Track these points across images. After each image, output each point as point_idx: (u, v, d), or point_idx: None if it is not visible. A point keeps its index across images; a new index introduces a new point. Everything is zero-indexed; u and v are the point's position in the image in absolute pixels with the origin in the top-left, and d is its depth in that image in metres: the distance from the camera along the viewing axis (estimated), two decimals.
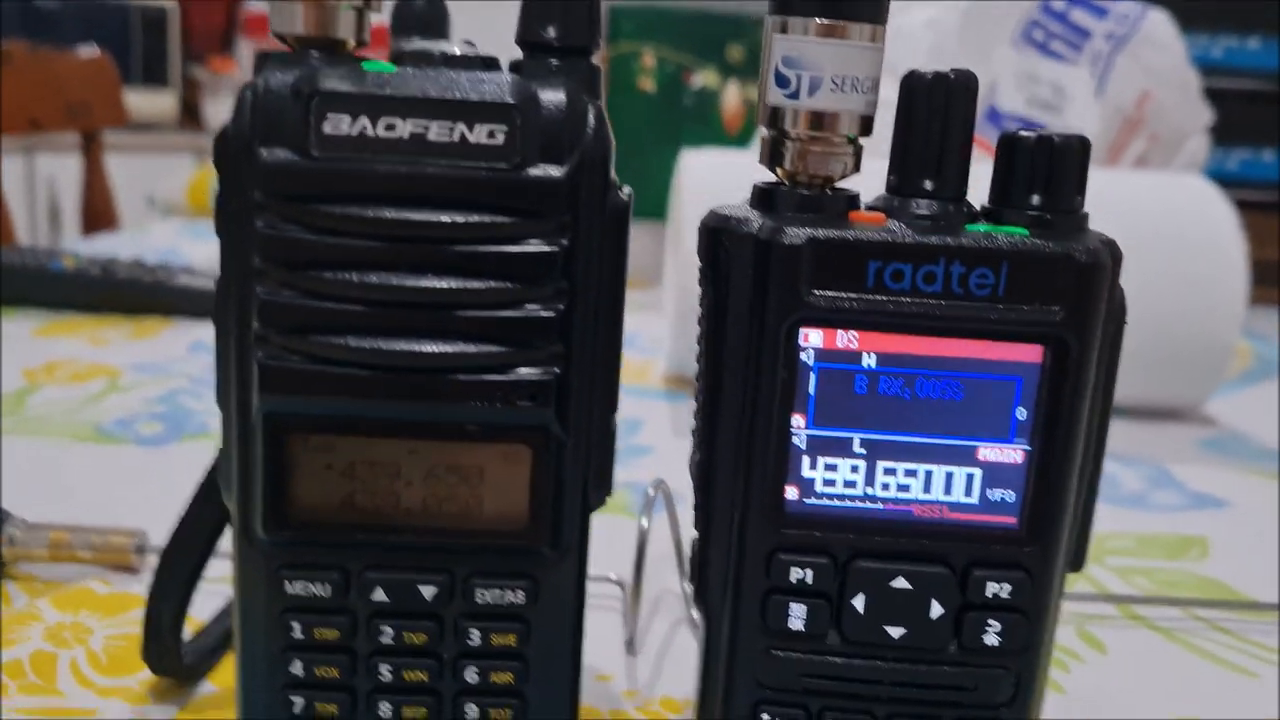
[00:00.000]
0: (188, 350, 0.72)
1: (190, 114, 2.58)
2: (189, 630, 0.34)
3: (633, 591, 0.40)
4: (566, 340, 0.27)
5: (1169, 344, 0.67)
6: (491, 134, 0.26)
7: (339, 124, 0.26)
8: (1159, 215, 0.70)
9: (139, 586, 0.41)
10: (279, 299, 0.26)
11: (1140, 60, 0.86)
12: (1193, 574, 0.49)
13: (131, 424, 0.58)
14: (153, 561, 0.42)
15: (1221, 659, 0.42)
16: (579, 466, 0.28)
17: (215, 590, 0.37)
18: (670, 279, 0.74)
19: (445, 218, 0.26)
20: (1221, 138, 0.96)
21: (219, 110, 2.31)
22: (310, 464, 0.28)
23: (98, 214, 1.34)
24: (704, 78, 0.99)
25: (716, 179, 0.69)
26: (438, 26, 0.52)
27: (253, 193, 0.26)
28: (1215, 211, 0.70)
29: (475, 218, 0.26)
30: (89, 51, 1.42)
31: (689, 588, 0.42)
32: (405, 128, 0.26)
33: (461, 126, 0.26)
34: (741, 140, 0.98)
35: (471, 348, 0.26)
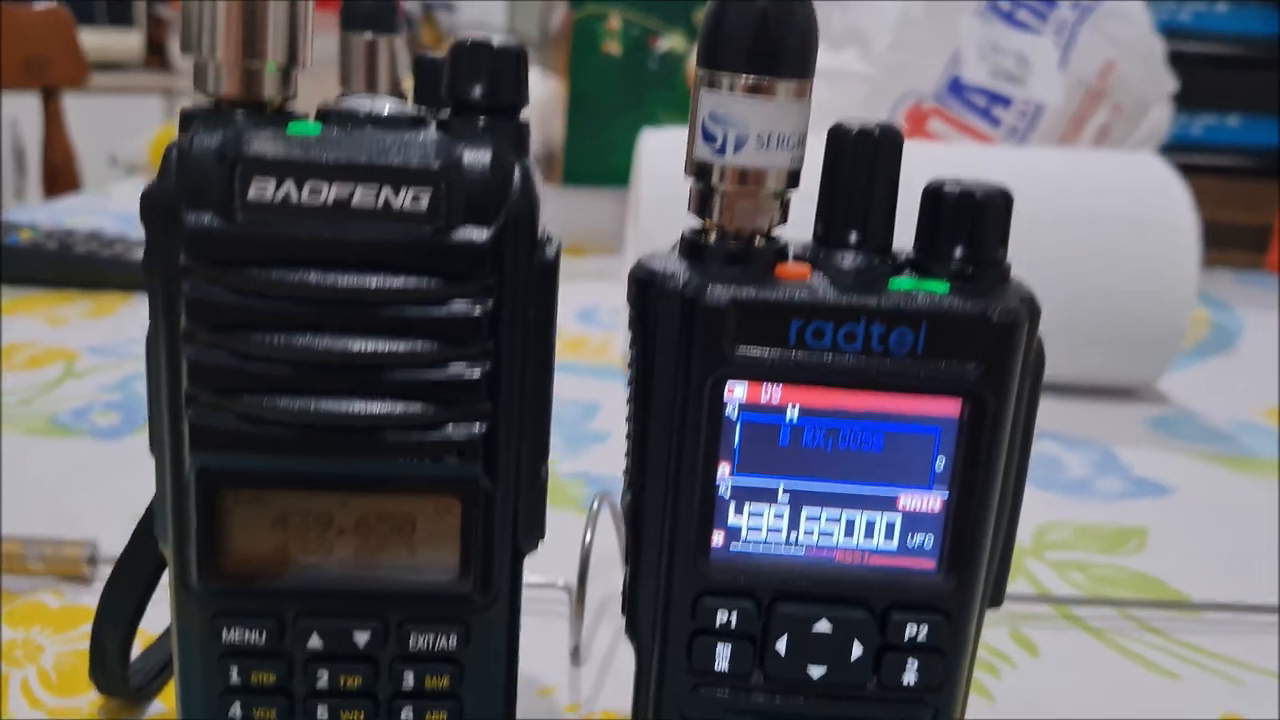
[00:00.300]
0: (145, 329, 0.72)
1: (156, 53, 2.54)
2: (139, 644, 0.35)
3: (577, 603, 0.41)
4: (494, 397, 0.27)
5: (1121, 323, 0.68)
6: (416, 198, 0.26)
7: (263, 189, 0.26)
8: (1112, 194, 0.70)
9: (90, 598, 0.42)
10: (207, 360, 0.27)
11: (1105, 30, 0.86)
12: (1128, 569, 0.50)
13: (87, 414, 0.58)
14: (104, 572, 0.43)
15: (1150, 661, 0.43)
16: (508, 516, 0.29)
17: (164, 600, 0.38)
18: (632, 260, 0.74)
19: (370, 282, 0.26)
20: (1186, 103, 0.96)
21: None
22: (243, 516, 0.28)
23: (59, 173, 1.33)
24: (670, 41, 0.98)
25: (675, 159, 0.68)
26: (387, 20, 0.52)
27: (178, 255, 0.26)
28: (1168, 190, 0.70)
29: (399, 282, 0.26)
30: (44, 4, 1.39)
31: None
32: (330, 193, 0.26)
33: (386, 191, 0.26)
34: None
35: (399, 407, 0.27)
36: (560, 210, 0.94)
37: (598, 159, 0.99)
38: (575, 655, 0.41)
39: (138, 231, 0.83)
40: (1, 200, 2.20)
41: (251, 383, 0.27)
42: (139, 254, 0.80)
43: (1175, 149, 0.93)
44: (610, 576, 0.45)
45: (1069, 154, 0.75)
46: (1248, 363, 0.84)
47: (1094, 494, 0.58)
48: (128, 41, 2.50)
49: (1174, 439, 0.66)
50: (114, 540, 0.44)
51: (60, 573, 0.43)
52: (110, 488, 0.50)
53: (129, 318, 0.74)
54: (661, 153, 0.70)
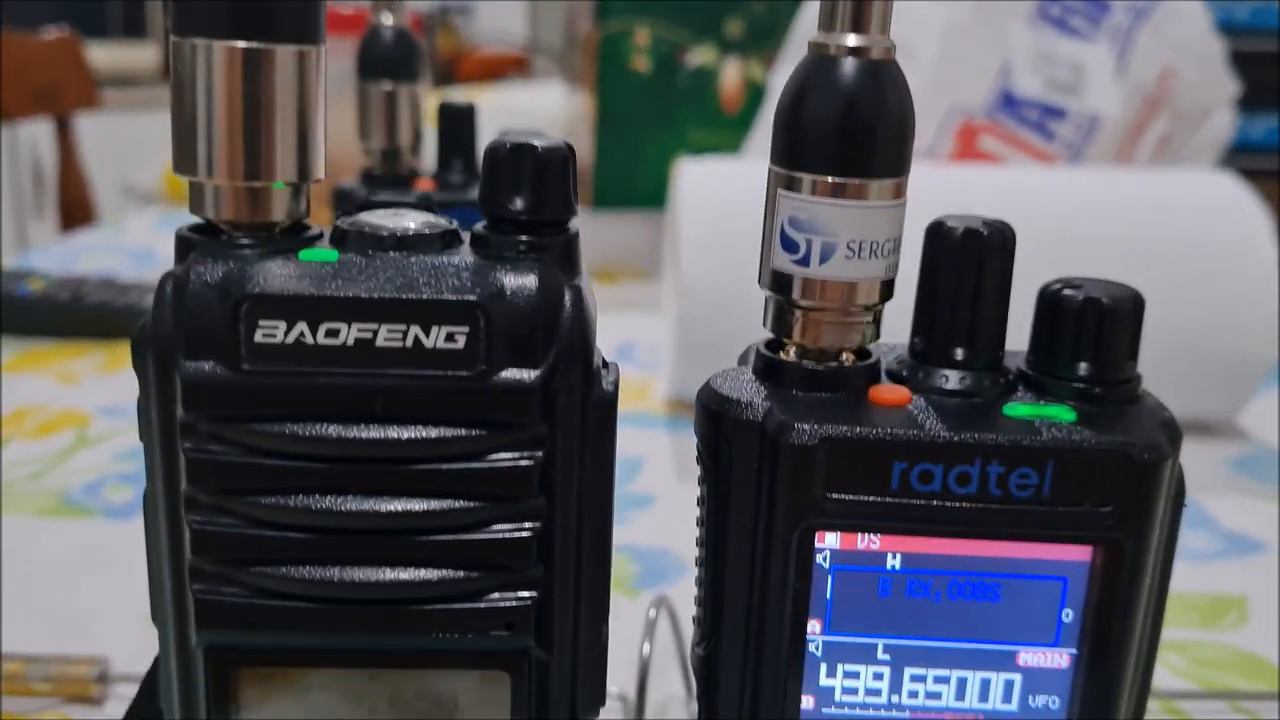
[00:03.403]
0: None
1: None
2: None
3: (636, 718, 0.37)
4: (546, 559, 0.24)
5: (1197, 357, 0.64)
6: (451, 337, 0.22)
7: (273, 332, 0.22)
8: (1182, 217, 0.65)
9: None
10: (212, 527, 0.23)
11: (1162, 34, 0.81)
12: (1232, 648, 0.46)
13: (99, 489, 0.55)
14: (117, 691, 0.40)
15: None
16: (565, 685, 0.25)
17: None
18: (670, 300, 0.70)
19: (400, 435, 0.22)
20: (1246, 104, 0.91)
21: None
22: (260, 694, 0.24)
23: (74, 205, 1.30)
24: (701, 55, 0.94)
25: (715, 194, 0.64)
26: (406, 67, 0.48)
27: (175, 407, 0.22)
28: (1243, 211, 0.66)
29: (434, 433, 0.22)
30: (52, 31, 1.36)
31: (694, 708, 0.39)
32: (350, 333, 0.22)
33: (416, 330, 0.22)
34: (742, 121, 0.94)
35: (435, 575, 0.23)
36: (590, 235, 0.90)
37: (629, 180, 0.95)
38: None
39: (152, 273, 0.78)
40: (21, 227, 2.18)
41: (264, 552, 0.23)
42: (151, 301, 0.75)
43: (1235, 153, 0.88)
44: (666, 679, 0.42)
45: (1136, 175, 0.70)
46: None
47: (1181, 554, 0.53)
48: (143, 56, 2.47)
49: (1260, 482, 0.62)
50: (126, 649, 0.41)
51: (68, 694, 0.39)
52: (124, 581, 0.47)
53: None
54: (701, 185, 0.66)
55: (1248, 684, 0.44)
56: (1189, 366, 0.64)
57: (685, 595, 0.39)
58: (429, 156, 0.51)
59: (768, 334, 0.26)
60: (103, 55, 1.99)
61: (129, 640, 0.42)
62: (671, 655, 0.41)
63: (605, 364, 0.24)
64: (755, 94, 0.94)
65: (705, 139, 0.94)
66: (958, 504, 0.23)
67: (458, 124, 0.49)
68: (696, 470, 0.26)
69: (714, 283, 0.62)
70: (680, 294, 0.63)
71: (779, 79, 0.88)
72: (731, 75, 0.94)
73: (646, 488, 0.58)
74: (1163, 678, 0.44)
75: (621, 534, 0.52)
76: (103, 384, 0.69)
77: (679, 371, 0.65)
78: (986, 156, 0.78)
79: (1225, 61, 0.84)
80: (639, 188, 0.94)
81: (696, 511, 0.27)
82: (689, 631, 0.38)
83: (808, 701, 0.25)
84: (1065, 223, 0.64)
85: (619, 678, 0.40)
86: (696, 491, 0.26)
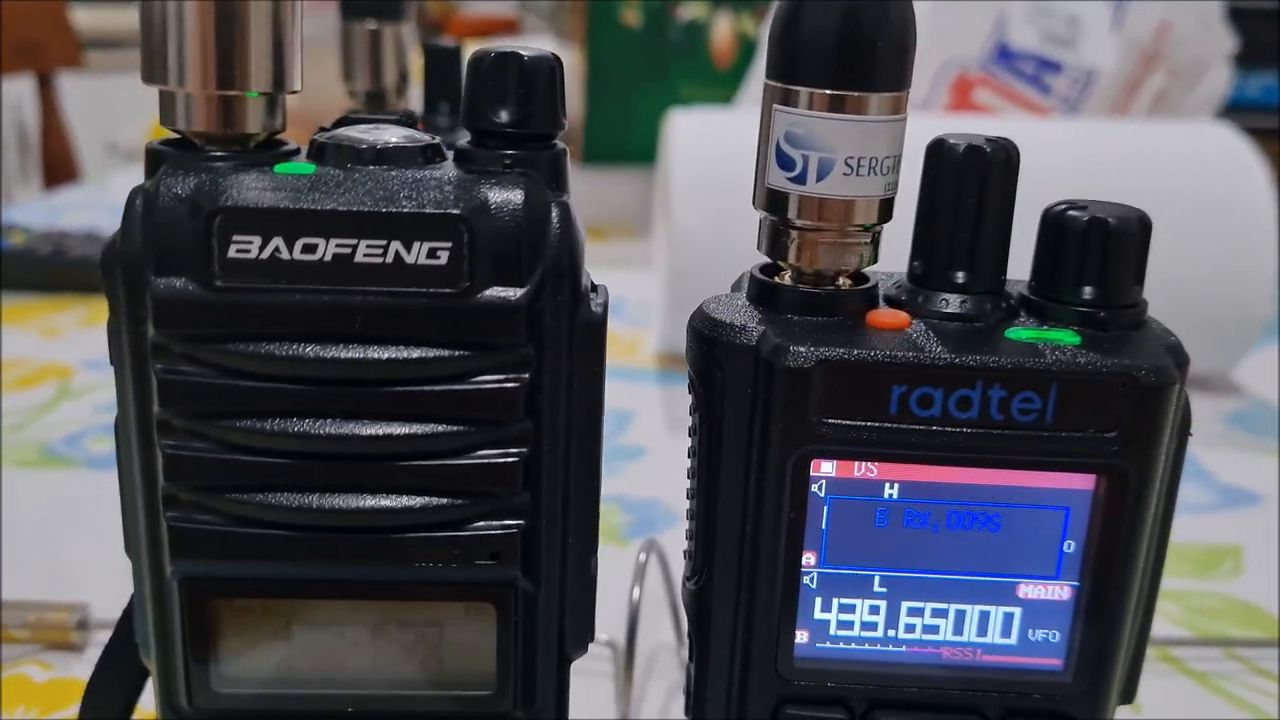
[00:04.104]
0: None
1: None
2: None
3: (625, 668, 0.36)
4: (533, 486, 0.23)
5: (1192, 310, 0.63)
6: (433, 253, 0.21)
7: (247, 247, 0.21)
8: (1180, 169, 0.65)
9: (82, 667, 0.38)
10: (186, 452, 0.22)
11: None
12: (1227, 597, 0.45)
13: (80, 441, 0.54)
14: (98, 639, 0.39)
15: (1264, 712, 0.38)
16: (553, 619, 0.24)
17: None
18: (660, 253, 0.69)
19: (380, 355, 0.21)
20: (1243, 61, 0.90)
21: None
22: (237, 627, 0.24)
23: (58, 162, 1.28)
24: (692, 9, 0.92)
25: (707, 144, 0.63)
26: (391, 6, 0.47)
27: (146, 327, 0.21)
28: (1241, 163, 0.65)
29: (416, 354, 0.22)
30: None
31: (684, 654, 0.39)
32: (327, 249, 0.21)
33: (397, 245, 0.21)
34: (733, 76, 0.92)
35: (418, 502, 0.22)
36: (580, 191, 0.89)
37: (619, 136, 0.94)
38: None
39: None
40: (3, 188, 2.15)
41: (240, 478, 0.22)
42: None
43: (1232, 110, 0.87)
44: (656, 627, 0.41)
45: (1133, 126, 0.69)
46: None
47: (1178, 505, 0.53)
48: (125, 17, 2.43)
49: (1255, 437, 0.61)
50: (108, 598, 0.40)
51: (46, 640, 0.38)
52: (105, 531, 0.46)
53: None
54: (692, 136, 0.65)
55: (1243, 632, 0.43)
56: (1185, 321, 0.63)
57: (676, 544, 0.38)
58: (415, 100, 0.50)
59: (762, 259, 0.25)
60: (86, 18, 1.96)
61: (111, 588, 0.41)
62: (661, 603, 0.40)
63: (594, 286, 0.23)
64: (747, 48, 0.92)
65: (697, 94, 0.92)
66: (958, 429, 0.23)
67: (444, 65, 0.48)
68: (687, 423, 0.25)
69: (705, 234, 0.61)
70: (671, 245, 0.62)
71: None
72: (723, 29, 0.93)
73: (637, 440, 0.57)
74: (1159, 626, 0.43)
75: (612, 485, 0.51)
76: (85, 338, 0.68)
77: (669, 323, 0.65)
78: (981, 109, 0.77)
79: (1223, 16, 0.83)
80: (629, 144, 0.93)
81: (687, 464, 0.26)
82: (679, 577, 0.37)
83: (802, 636, 0.25)
84: (1061, 176, 0.63)
85: (608, 625, 0.39)
86: (687, 444, 0.25)
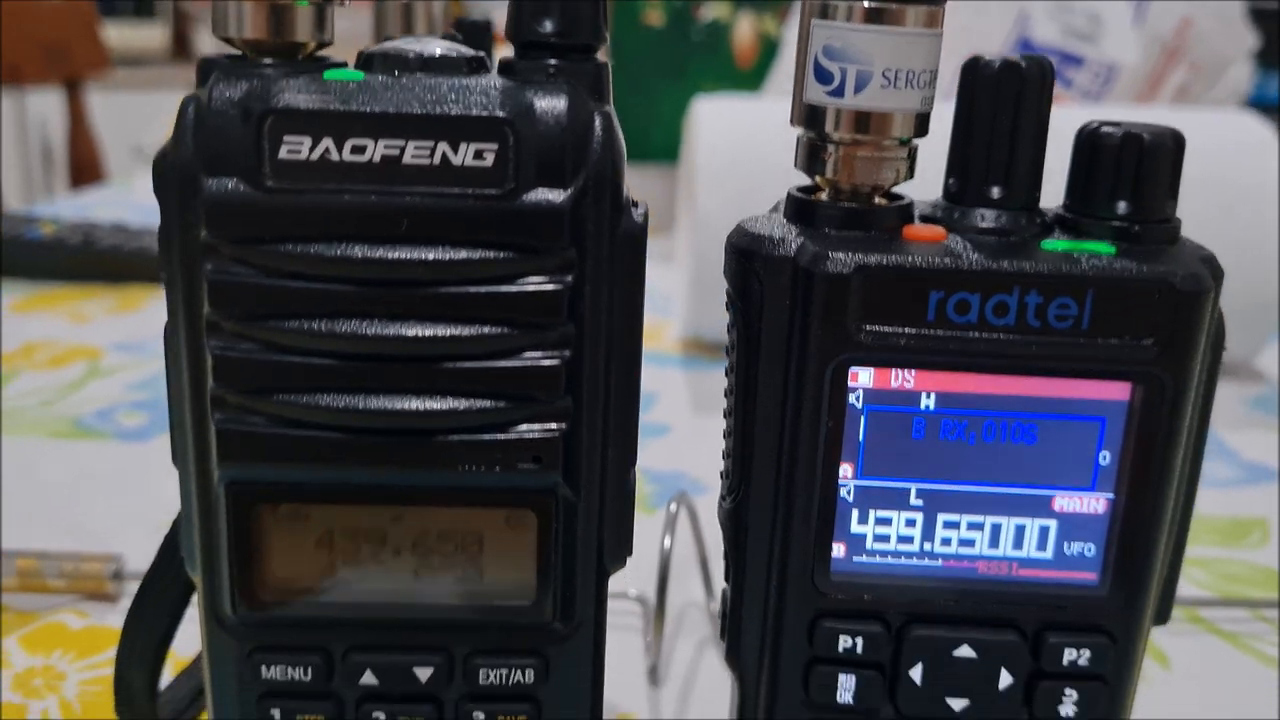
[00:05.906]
0: None
1: (183, 46, 2.51)
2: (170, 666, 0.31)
3: (656, 618, 0.36)
4: (575, 391, 0.23)
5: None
6: (479, 154, 0.22)
7: (297, 148, 0.21)
8: (1202, 155, 0.65)
9: (116, 616, 0.38)
10: (234, 353, 0.22)
11: None
12: (1254, 565, 0.45)
13: (112, 414, 0.55)
14: (130, 589, 0.39)
15: None
16: (593, 530, 0.24)
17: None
18: (685, 239, 0.69)
19: (426, 255, 0.22)
20: (1264, 60, 0.90)
21: (213, 41, 2.24)
22: (282, 535, 0.24)
23: (84, 165, 1.30)
24: (715, 10, 0.93)
25: (732, 129, 0.64)
26: None
27: (198, 230, 0.22)
28: (1264, 150, 0.65)
29: (462, 254, 0.22)
30: None
31: (715, 608, 0.39)
32: (376, 150, 0.22)
33: (443, 146, 0.22)
34: (755, 76, 0.93)
35: (462, 404, 0.23)
36: None
37: (641, 135, 0.94)
38: (653, 675, 0.37)
39: None
40: (31, 195, 2.18)
41: (287, 380, 0.22)
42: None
43: (1251, 109, 0.87)
44: (685, 583, 0.41)
45: (1153, 112, 0.70)
46: None
47: (1204, 481, 0.53)
48: (153, 35, 2.47)
49: (1278, 419, 0.61)
50: (140, 554, 0.41)
51: (82, 590, 0.39)
52: (137, 495, 0.46)
53: (155, 312, 0.70)
54: (715, 122, 0.65)
55: (1271, 596, 0.43)
56: None
57: (704, 509, 0.38)
58: None
59: (801, 178, 0.25)
60: (113, 34, 1.99)
61: (143, 547, 0.41)
62: (691, 561, 0.40)
63: (634, 202, 0.24)
64: (769, 48, 0.93)
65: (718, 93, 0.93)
66: (995, 335, 0.23)
67: (474, 40, 0.49)
68: (711, 403, 0.25)
69: (730, 219, 0.61)
70: (695, 227, 0.62)
71: (792, 33, 0.88)
72: (745, 29, 0.93)
73: (662, 418, 0.57)
74: (1186, 589, 0.43)
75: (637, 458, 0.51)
76: (115, 323, 0.68)
77: (694, 309, 0.65)
78: None
79: (1244, 14, 0.84)
80: (652, 142, 0.93)
81: (711, 440, 0.26)
82: (708, 534, 0.38)
83: (839, 550, 0.25)
84: None
85: (637, 583, 0.39)
86: (711, 423, 0.25)
